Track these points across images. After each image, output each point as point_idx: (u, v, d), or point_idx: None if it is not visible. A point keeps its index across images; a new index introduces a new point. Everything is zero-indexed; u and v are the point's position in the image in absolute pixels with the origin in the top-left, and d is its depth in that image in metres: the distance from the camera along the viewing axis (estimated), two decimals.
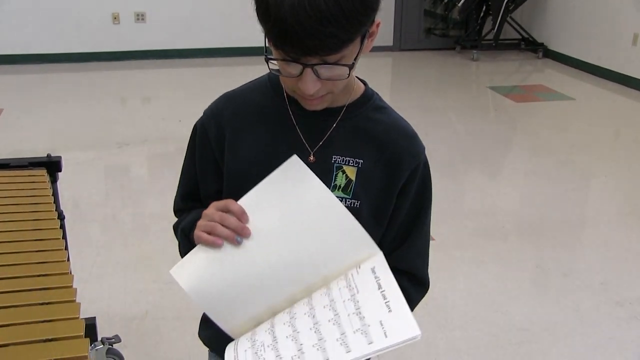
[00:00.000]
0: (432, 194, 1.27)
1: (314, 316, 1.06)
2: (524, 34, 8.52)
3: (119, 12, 7.61)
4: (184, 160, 1.33)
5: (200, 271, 1.10)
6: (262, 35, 1.04)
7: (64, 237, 1.79)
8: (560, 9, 8.19)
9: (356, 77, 1.24)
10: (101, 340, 2.31)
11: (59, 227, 1.80)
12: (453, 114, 6.16)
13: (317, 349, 1.01)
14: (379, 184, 1.21)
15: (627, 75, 7.08)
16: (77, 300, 1.42)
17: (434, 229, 1.30)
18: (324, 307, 1.07)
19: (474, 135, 5.55)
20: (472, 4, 8.26)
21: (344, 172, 1.20)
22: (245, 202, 1.12)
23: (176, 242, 1.31)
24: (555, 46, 8.36)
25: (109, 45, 7.69)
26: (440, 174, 4.47)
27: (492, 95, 6.81)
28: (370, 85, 1.27)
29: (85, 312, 1.45)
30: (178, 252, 1.28)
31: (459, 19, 9.21)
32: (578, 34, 7.88)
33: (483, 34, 8.48)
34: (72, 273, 1.58)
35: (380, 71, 7.90)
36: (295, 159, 1.12)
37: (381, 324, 1.02)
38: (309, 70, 1.04)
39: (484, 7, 8.42)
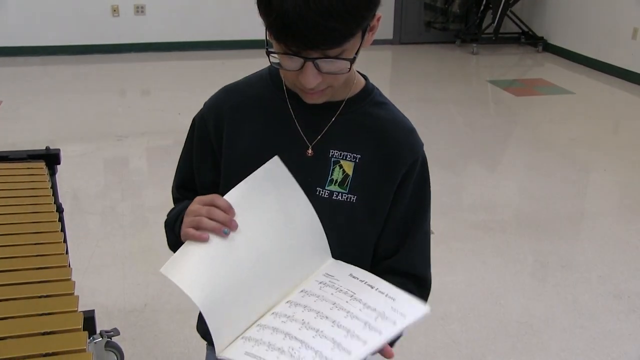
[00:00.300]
0: (432, 191, 1.27)
1: (327, 317, 1.06)
2: (523, 27, 8.51)
3: (119, 5, 7.59)
4: (182, 151, 1.34)
5: (192, 268, 1.09)
6: (263, 28, 1.04)
7: (63, 229, 1.78)
8: (560, 3, 8.18)
9: (357, 71, 1.24)
10: (100, 333, 2.31)
11: (57, 219, 1.79)
12: (453, 108, 6.15)
13: (351, 337, 1.03)
14: (376, 180, 1.20)
15: (626, 69, 7.08)
16: (76, 293, 1.42)
17: (433, 222, 1.30)
18: (331, 308, 1.08)
19: (473, 129, 5.55)
20: None
21: (341, 166, 1.19)
22: (231, 196, 1.12)
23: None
24: (555, 40, 8.34)
25: (109, 37, 7.67)
26: (439, 167, 4.47)
27: (492, 89, 6.81)
28: (370, 79, 1.27)
29: (83, 305, 1.45)
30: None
31: (459, 12, 9.19)
32: (578, 28, 7.87)
33: (483, 27, 8.47)
34: (71, 266, 1.58)
35: (380, 64, 7.89)
36: (276, 160, 1.12)
37: (394, 309, 1.07)
38: (309, 64, 1.03)
39: (484, 1, 8.41)
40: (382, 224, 1.24)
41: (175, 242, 1.18)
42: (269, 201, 1.13)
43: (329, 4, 0.95)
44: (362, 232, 1.24)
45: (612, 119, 6.01)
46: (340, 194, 1.19)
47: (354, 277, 1.15)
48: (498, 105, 6.34)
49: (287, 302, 1.12)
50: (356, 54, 1.06)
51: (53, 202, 1.91)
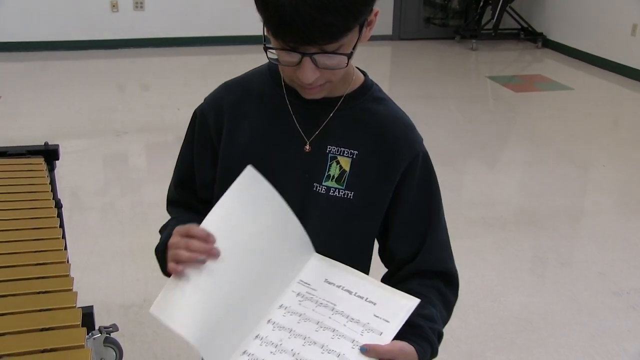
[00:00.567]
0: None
1: (315, 342, 1.04)
2: (523, 23, 8.50)
3: (118, 0, 7.57)
4: (181, 147, 1.33)
5: (181, 305, 1.05)
6: (261, 23, 1.03)
7: (62, 225, 1.79)
8: None
9: (356, 67, 1.23)
10: (99, 329, 2.31)
11: (56, 215, 1.79)
12: (452, 104, 6.15)
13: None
14: (374, 176, 1.20)
15: (626, 66, 7.07)
16: (74, 289, 1.42)
17: None
18: (317, 330, 1.06)
19: (472, 125, 5.55)
20: None
21: (338, 162, 1.19)
22: (209, 222, 1.08)
23: None
24: (554, 36, 8.34)
25: (108, 33, 7.65)
26: (438, 164, 4.42)
27: (491, 85, 6.80)
28: (369, 75, 1.26)
29: (82, 301, 1.45)
30: None
31: (459, 8, 9.19)
32: (577, 24, 7.86)
33: (482, 23, 8.45)
34: (70, 262, 1.58)
35: (380, 60, 7.88)
36: (249, 170, 1.11)
37: (377, 317, 1.06)
38: (307, 59, 1.03)
39: None
40: (380, 221, 1.24)
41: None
42: (249, 216, 1.11)
43: None
44: (360, 229, 1.23)
45: (611, 115, 6.01)
46: (337, 190, 1.19)
47: (329, 282, 1.12)
48: (497, 101, 6.34)
49: (269, 322, 1.08)
50: (353, 48, 1.05)
51: (52, 198, 1.91)
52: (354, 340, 1.03)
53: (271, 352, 1.04)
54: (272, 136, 1.21)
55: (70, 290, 1.42)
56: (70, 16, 7.46)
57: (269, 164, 1.20)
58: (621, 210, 4.00)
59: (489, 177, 4.53)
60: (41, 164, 2.15)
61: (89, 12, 7.51)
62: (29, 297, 1.38)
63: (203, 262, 1.05)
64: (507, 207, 4.03)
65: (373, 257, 1.30)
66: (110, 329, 2.34)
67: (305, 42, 1.00)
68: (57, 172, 2.32)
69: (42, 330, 1.27)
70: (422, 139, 1.24)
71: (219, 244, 1.06)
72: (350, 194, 1.19)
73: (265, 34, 1.05)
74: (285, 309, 1.10)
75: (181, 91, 6.13)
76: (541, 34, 8.45)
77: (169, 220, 1.31)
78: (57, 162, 2.30)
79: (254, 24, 1.03)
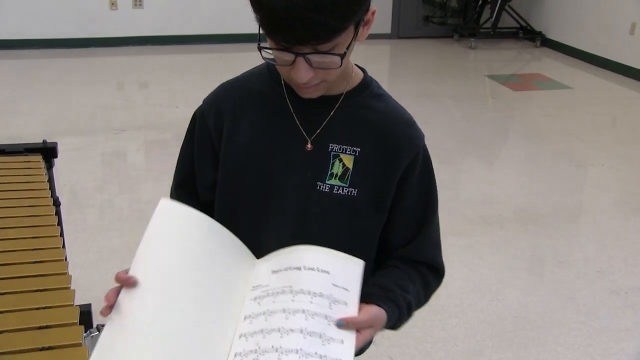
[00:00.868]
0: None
1: (292, 330, 1.01)
2: (522, 22, 8.49)
3: None
4: (181, 149, 1.33)
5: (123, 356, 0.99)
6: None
7: (60, 223, 1.78)
8: None
9: (355, 64, 1.23)
10: (96, 327, 2.30)
11: (54, 213, 1.79)
12: (450, 103, 6.15)
13: (329, 342, 1.01)
14: (377, 172, 1.20)
15: (624, 65, 7.07)
16: (72, 287, 1.42)
17: None
18: (287, 317, 1.02)
19: (471, 124, 5.54)
20: None
21: (341, 160, 1.19)
22: (136, 266, 1.04)
23: None
24: (553, 35, 8.34)
25: (107, 31, 7.65)
26: (437, 162, 4.42)
27: (490, 84, 6.80)
28: (368, 73, 1.26)
29: (80, 299, 1.45)
30: None
31: (457, 7, 9.19)
32: (576, 22, 7.86)
33: (481, 22, 8.45)
34: (68, 260, 1.58)
35: (378, 59, 7.87)
36: (162, 203, 1.08)
37: (336, 285, 1.05)
38: (301, 59, 1.03)
39: None
40: (385, 216, 1.24)
41: None
42: (176, 246, 1.08)
43: None
44: (365, 225, 1.23)
45: (610, 113, 6.01)
46: (340, 187, 1.19)
47: (276, 271, 1.09)
48: (496, 100, 6.33)
49: (241, 337, 1.04)
50: (347, 48, 1.05)
51: (50, 196, 1.91)
52: (327, 317, 1.02)
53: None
54: (272, 136, 1.20)
55: (68, 288, 1.42)
56: (69, 14, 7.45)
57: (270, 164, 1.20)
58: (620, 209, 4.00)
59: (488, 175, 4.53)
60: (39, 161, 2.15)
61: (87, 10, 7.50)
62: (26, 294, 1.38)
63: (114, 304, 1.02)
64: (506, 205, 4.03)
65: None
66: None
67: (297, 42, 1.00)
68: (55, 169, 2.32)
69: (39, 328, 1.27)
70: (423, 135, 1.24)
71: (152, 283, 1.03)
72: (354, 192, 1.19)
73: (261, 32, 1.05)
74: (250, 317, 1.06)
75: (180, 89, 6.12)
76: (540, 32, 8.45)
77: None
78: (55, 159, 2.30)
79: (253, 23, 1.02)
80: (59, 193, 2.23)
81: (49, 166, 2.23)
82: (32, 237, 1.63)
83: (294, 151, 1.19)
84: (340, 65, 1.05)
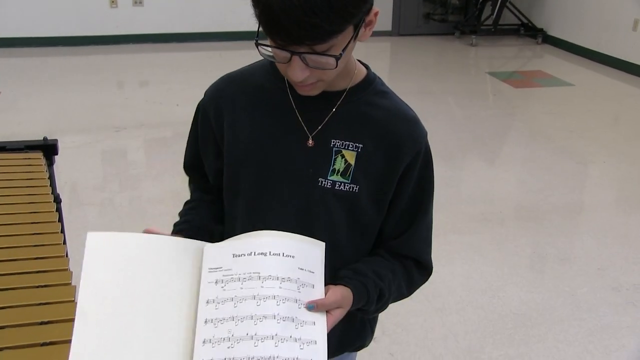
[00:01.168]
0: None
1: (264, 317, 1.01)
2: (523, 19, 8.49)
3: None
4: (188, 136, 1.35)
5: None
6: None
7: (60, 220, 1.78)
8: None
9: (358, 60, 1.23)
10: None
11: (55, 210, 1.79)
12: (451, 100, 6.15)
13: (302, 325, 1.02)
14: (379, 169, 1.20)
15: (626, 61, 7.07)
16: (73, 284, 1.42)
17: None
18: (258, 304, 1.02)
19: (472, 121, 5.54)
20: None
21: (343, 156, 1.19)
22: (83, 299, 1.02)
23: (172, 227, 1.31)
24: (554, 32, 8.33)
25: (107, 29, 7.65)
26: (438, 159, 4.42)
27: (491, 81, 6.80)
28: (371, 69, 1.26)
29: None
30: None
31: (458, 4, 9.17)
32: (578, 19, 7.85)
33: (482, 19, 8.45)
34: (68, 256, 1.58)
35: (379, 56, 7.87)
36: (90, 236, 1.07)
37: (302, 269, 1.07)
38: (296, 58, 1.03)
39: None
40: (384, 212, 1.24)
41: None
42: (118, 273, 1.05)
43: (314, 0, 0.95)
44: (366, 221, 1.24)
45: (612, 110, 6.01)
46: (342, 183, 1.19)
47: (238, 255, 1.08)
48: (497, 97, 6.33)
49: (206, 322, 1.02)
50: (344, 50, 1.04)
51: (51, 193, 1.91)
52: (297, 300, 1.04)
53: (229, 347, 0.99)
54: (274, 130, 1.20)
55: (69, 284, 1.42)
56: (70, 12, 7.45)
57: (271, 159, 1.20)
58: (621, 206, 4.00)
59: (489, 173, 4.53)
60: (40, 159, 2.14)
61: (88, 8, 7.50)
62: (27, 291, 1.38)
63: None
64: (507, 202, 4.02)
65: None
66: None
67: (293, 42, 1.00)
68: (56, 167, 2.32)
69: (41, 323, 1.27)
70: (426, 133, 1.24)
71: (103, 314, 1.01)
72: (356, 188, 1.19)
73: (260, 30, 1.05)
74: (214, 302, 1.04)
75: (180, 87, 6.12)
76: (541, 29, 8.44)
77: (179, 219, 1.32)
78: (56, 157, 2.29)
79: (252, 20, 1.03)
80: (59, 190, 2.23)
81: (50, 163, 2.23)
82: (33, 234, 1.63)
83: (294, 147, 1.19)
84: (336, 67, 1.05)
